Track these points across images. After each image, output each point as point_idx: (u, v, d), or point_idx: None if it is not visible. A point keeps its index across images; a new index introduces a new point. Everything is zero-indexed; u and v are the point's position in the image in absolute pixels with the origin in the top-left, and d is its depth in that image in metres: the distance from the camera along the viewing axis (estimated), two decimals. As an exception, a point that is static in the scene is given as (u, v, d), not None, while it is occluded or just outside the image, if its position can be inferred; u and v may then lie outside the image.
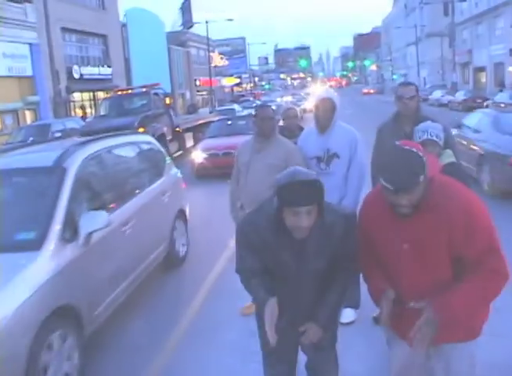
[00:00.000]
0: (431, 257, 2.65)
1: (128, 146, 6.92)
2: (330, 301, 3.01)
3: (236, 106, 37.38)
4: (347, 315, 5.20)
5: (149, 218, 6.39)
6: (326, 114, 4.71)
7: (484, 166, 9.99)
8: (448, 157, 4.15)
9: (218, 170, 14.41)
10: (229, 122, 17.93)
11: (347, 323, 5.09)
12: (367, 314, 5.20)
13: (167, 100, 20.04)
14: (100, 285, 5.01)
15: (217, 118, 21.15)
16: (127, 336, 5.46)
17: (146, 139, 7.92)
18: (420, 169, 2.50)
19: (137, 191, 6.48)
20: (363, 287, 4.80)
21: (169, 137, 18.66)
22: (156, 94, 19.73)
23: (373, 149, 5.04)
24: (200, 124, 22.70)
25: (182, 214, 7.85)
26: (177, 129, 19.96)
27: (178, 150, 19.65)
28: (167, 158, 8.23)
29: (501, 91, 39.92)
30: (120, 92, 20.88)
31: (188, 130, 21.45)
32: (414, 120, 4.52)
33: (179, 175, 8.47)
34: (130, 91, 21.08)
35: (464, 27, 55.54)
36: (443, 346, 2.78)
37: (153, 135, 16.24)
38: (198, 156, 15.49)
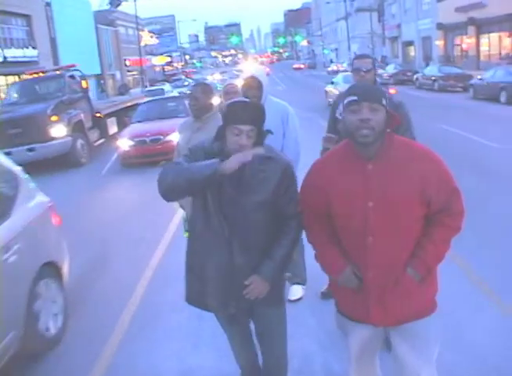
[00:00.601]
0: (402, 215, 2.60)
1: None
2: (276, 254, 2.95)
3: (165, 86, 36.02)
4: (295, 292, 5.25)
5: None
6: (252, 92, 4.60)
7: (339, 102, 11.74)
8: None
9: (145, 158, 13.43)
10: (157, 104, 16.65)
11: (296, 300, 5.12)
12: (315, 290, 5.23)
13: (84, 83, 17.69)
14: None
15: (144, 100, 19.36)
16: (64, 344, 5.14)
17: None
18: (383, 92, 2.64)
19: None
20: (308, 263, 4.84)
21: (88, 124, 16.99)
22: (72, 76, 17.46)
23: (327, 122, 4.88)
24: (125, 108, 20.52)
25: (51, 269, 5.12)
26: (97, 115, 17.97)
27: (100, 138, 17.79)
28: (28, 183, 5.40)
29: (427, 64, 41.11)
30: (31, 76, 18.52)
31: (111, 115, 19.13)
32: None
33: (49, 204, 5.56)
34: (42, 74, 18.50)
35: (393, 2, 56.40)
36: (407, 326, 2.75)
37: (69, 123, 15.34)
38: (123, 143, 13.95)
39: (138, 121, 15.48)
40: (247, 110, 2.79)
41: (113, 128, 19.00)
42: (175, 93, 33.33)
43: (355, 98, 2.55)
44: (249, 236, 2.94)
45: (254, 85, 4.61)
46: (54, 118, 14.86)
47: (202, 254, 3.03)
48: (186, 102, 14.55)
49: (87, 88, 17.91)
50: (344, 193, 2.66)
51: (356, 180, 2.63)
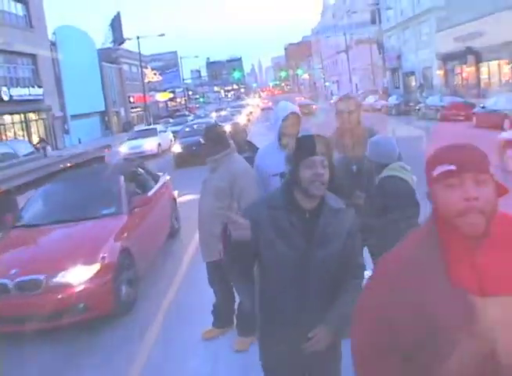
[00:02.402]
0: None
1: None
2: (341, 302, 2.81)
3: (159, 126, 32.11)
4: None
5: None
6: (295, 129, 4.55)
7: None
8: (390, 169, 4.04)
9: (8, 324, 5.86)
10: (69, 187, 8.32)
11: None
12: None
13: None
14: None
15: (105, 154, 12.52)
16: None
17: None
18: (485, 153, 1.77)
19: None
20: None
21: None
22: None
23: None
24: (60, 171, 10.48)
25: None
26: None
27: None
28: None
29: (421, 93, 42.09)
30: None
31: (27, 187, 9.58)
32: (355, 133, 4.57)
33: None
34: None
35: (392, 34, 57.07)
36: None
37: None
38: None
39: (23, 226, 7.37)
40: (317, 142, 2.78)
41: None
42: (169, 134, 29.43)
43: (453, 167, 1.69)
44: (318, 299, 2.83)
45: (296, 121, 4.60)
46: None
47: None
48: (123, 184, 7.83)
49: None
50: (440, 309, 1.70)
51: (463, 275, 1.71)
